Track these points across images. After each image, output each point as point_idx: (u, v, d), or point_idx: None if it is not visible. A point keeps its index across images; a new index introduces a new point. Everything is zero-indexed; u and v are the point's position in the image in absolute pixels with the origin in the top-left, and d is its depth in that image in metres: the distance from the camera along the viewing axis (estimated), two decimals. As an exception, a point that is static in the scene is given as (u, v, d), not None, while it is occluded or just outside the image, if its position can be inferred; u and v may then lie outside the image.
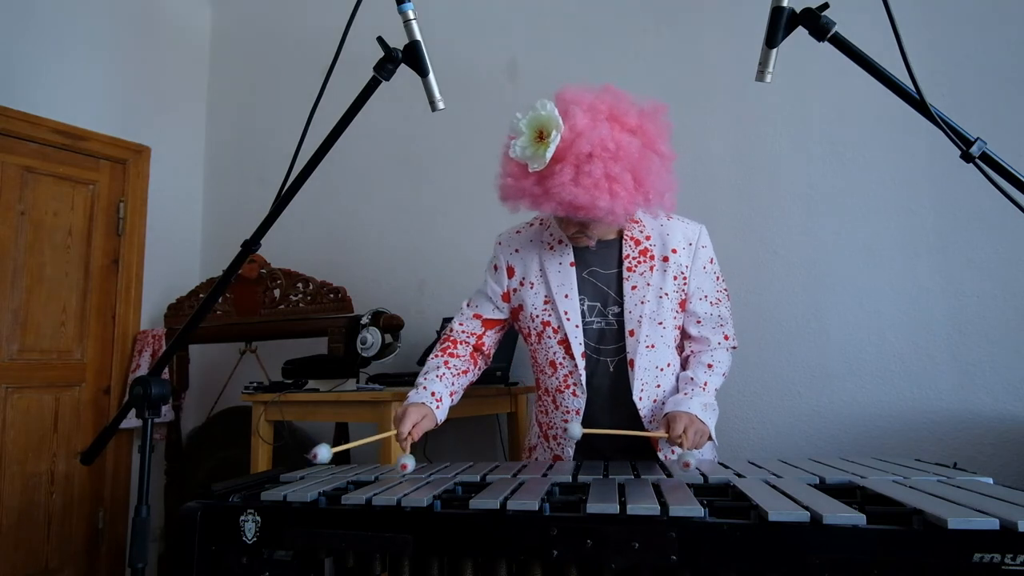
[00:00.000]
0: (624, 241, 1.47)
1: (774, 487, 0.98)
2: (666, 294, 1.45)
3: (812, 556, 0.79)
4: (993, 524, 0.75)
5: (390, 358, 2.57)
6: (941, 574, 0.76)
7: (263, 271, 2.97)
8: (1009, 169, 0.88)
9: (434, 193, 2.91)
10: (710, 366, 1.46)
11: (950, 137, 0.89)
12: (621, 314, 1.44)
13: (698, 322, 1.49)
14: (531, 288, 1.51)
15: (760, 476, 1.09)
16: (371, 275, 3.02)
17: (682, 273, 1.46)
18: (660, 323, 1.44)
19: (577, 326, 1.45)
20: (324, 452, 1.17)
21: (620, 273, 1.46)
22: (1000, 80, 1.94)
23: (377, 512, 0.99)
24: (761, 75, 1.00)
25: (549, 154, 1.24)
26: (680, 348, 1.52)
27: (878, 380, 2.03)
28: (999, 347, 1.89)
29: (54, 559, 2.94)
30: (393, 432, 1.32)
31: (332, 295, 2.80)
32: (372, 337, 2.45)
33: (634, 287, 1.44)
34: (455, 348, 1.54)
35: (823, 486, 1.02)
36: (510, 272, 1.55)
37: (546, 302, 1.48)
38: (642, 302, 1.43)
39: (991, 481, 1.01)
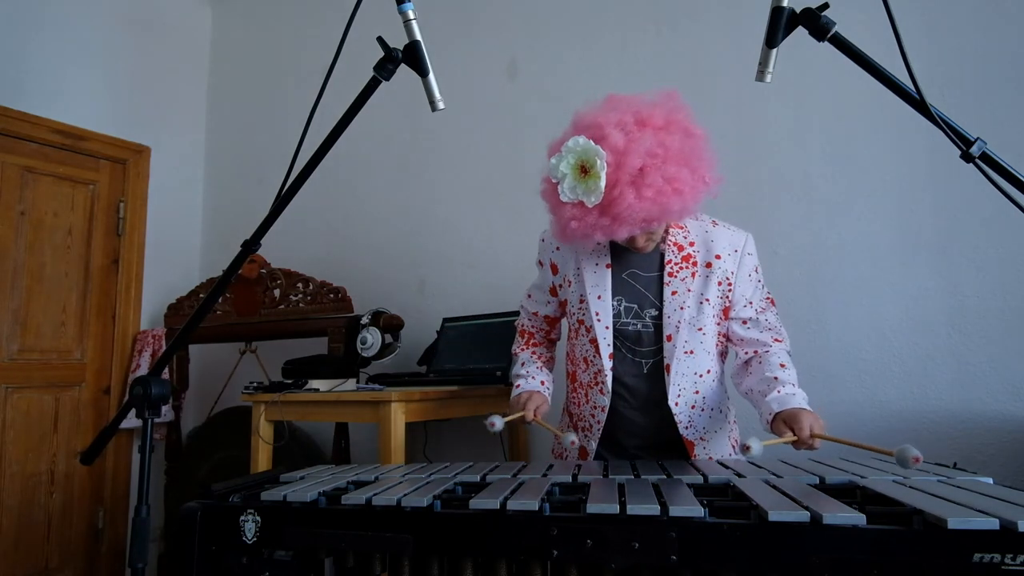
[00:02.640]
0: (667, 246, 1.47)
1: (774, 487, 0.98)
2: (707, 300, 1.44)
3: (812, 556, 0.79)
4: (993, 524, 0.75)
5: (390, 358, 2.57)
6: (941, 574, 0.76)
7: (263, 271, 2.97)
8: (1009, 169, 0.88)
9: (434, 193, 2.91)
10: (783, 365, 1.43)
11: (950, 137, 0.89)
12: (659, 317, 1.45)
13: (744, 323, 1.49)
14: (569, 286, 1.54)
15: (760, 476, 1.09)
16: (371, 275, 3.02)
17: (727, 279, 1.46)
18: (700, 329, 1.45)
19: (607, 328, 1.46)
20: (499, 421, 1.34)
21: (661, 277, 1.46)
22: (1000, 80, 1.94)
23: (377, 512, 0.99)
24: (761, 75, 1.00)
25: (603, 184, 1.23)
26: (723, 356, 1.54)
27: (878, 380, 2.03)
28: (999, 347, 1.89)
29: (54, 559, 2.94)
30: (521, 413, 1.46)
31: (332, 295, 2.80)
32: (372, 337, 2.45)
33: (674, 292, 1.44)
34: (535, 339, 1.71)
35: (823, 486, 1.02)
36: (554, 269, 1.59)
37: (581, 301, 1.51)
38: (681, 307, 1.43)
39: (991, 481, 1.01)
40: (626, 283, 1.48)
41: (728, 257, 1.46)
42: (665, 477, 1.13)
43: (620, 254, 1.49)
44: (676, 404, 1.45)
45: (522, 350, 1.68)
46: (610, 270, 1.49)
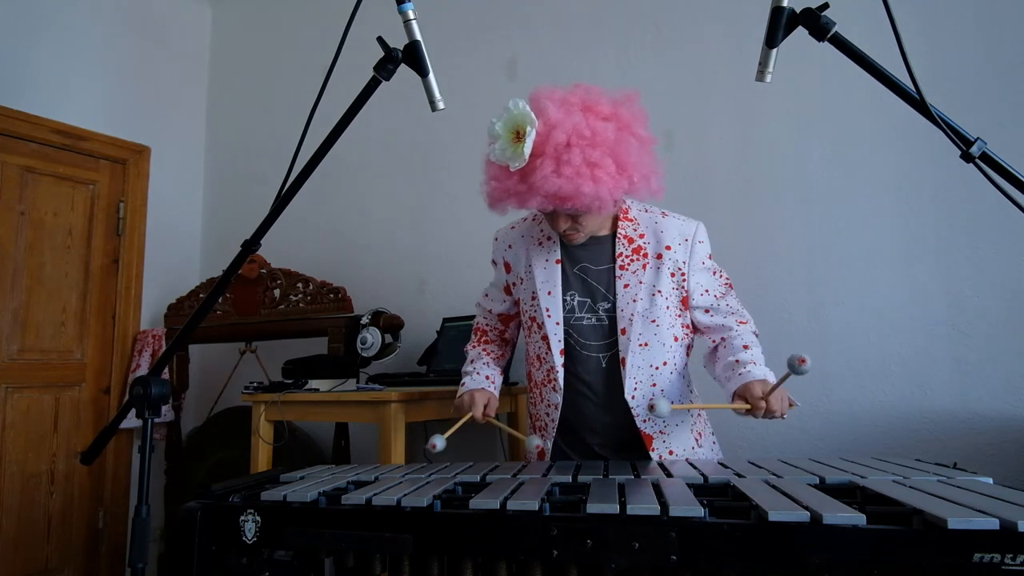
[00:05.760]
0: (617, 239, 1.47)
1: (774, 487, 0.98)
2: (659, 291, 1.44)
3: (812, 556, 0.79)
4: (993, 524, 0.75)
5: (390, 358, 2.57)
6: (941, 574, 0.75)
7: (263, 271, 2.97)
8: (1009, 169, 0.88)
9: (434, 193, 2.91)
10: (746, 347, 1.43)
11: (950, 137, 0.89)
12: (612, 310, 1.44)
13: (707, 311, 1.50)
14: (521, 284, 1.54)
15: (760, 476, 1.09)
16: (371, 275, 3.02)
17: (679, 270, 1.46)
18: (654, 321, 1.44)
19: (558, 323, 1.46)
20: (439, 441, 1.28)
21: (613, 270, 1.46)
22: (1000, 80, 1.94)
23: (377, 512, 0.99)
24: (761, 75, 1.00)
25: (527, 150, 1.25)
26: (681, 346, 1.51)
27: (878, 380, 2.03)
28: (999, 347, 1.89)
29: (54, 559, 2.94)
30: (470, 415, 1.45)
31: (332, 295, 2.80)
32: (372, 337, 2.45)
33: (626, 285, 1.44)
34: (487, 336, 1.69)
35: (823, 486, 1.02)
36: (507, 268, 1.59)
37: (532, 298, 1.50)
38: (634, 300, 1.42)
39: (991, 481, 1.01)
40: (578, 278, 1.48)
41: (679, 247, 1.46)
42: (665, 477, 1.13)
43: (571, 250, 1.49)
44: (632, 397, 1.43)
45: (473, 347, 1.67)
46: (560, 266, 1.48)
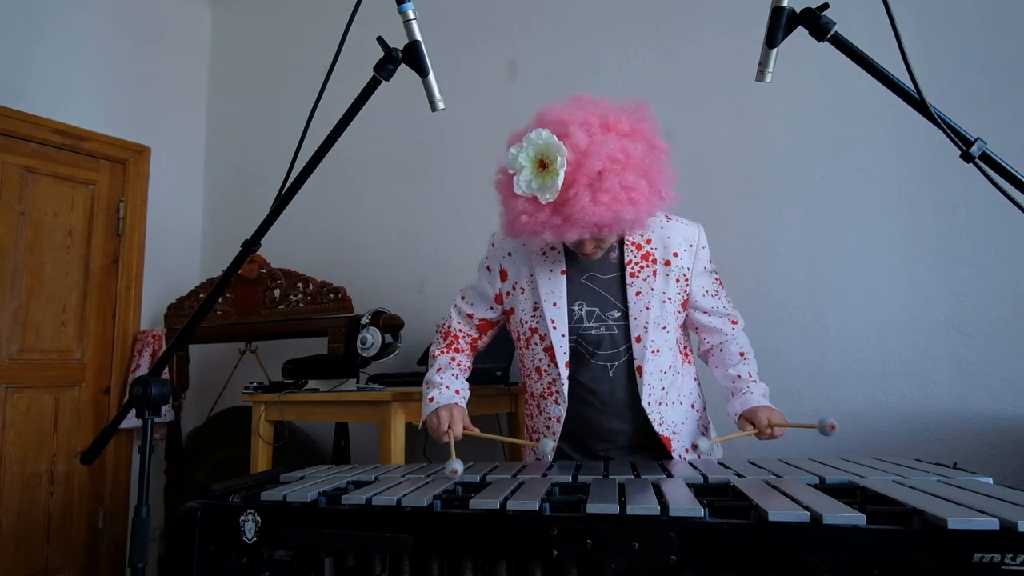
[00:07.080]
0: (626, 246, 1.46)
1: (774, 487, 0.98)
2: (669, 298, 1.44)
3: (812, 556, 0.79)
4: (993, 524, 0.75)
5: (390, 358, 2.57)
6: (941, 574, 0.76)
7: (263, 271, 2.97)
8: (1009, 169, 0.88)
9: (435, 193, 2.91)
10: (743, 355, 1.50)
11: (950, 137, 0.89)
12: (622, 318, 1.44)
13: (706, 312, 1.51)
14: (521, 294, 1.49)
15: (760, 476, 1.09)
16: (371, 275, 3.02)
17: (684, 276, 1.46)
18: (664, 327, 1.44)
19: (564, 335, 1.43)
20: (458, 465, 1.16)
21: (622, 278, 1.44)
22: (1000, 80, 1.94)
23: (377, 512, 0.99)
24: (761, 75, 1.00)
25: (560, 182, 1.20)
26: (679, 345, 1.51)
27: (878, 380, 2.03)
28: (999, 347, 1.89)
29: (54, 559, 2.94)
30: (448, 440, 1.36)
31: (332, 295, 2.80)
32: (372, 337, 2.45)
33: (638, 293, 1.43)
34: (458, 344, 1.59)
35: (823, 486, 1.02)
36: (503, 276, 1.54)
37: (535, 309, 1.47)
38: (647, 308, 1.42)
39: (991, 481, 1.01)
40: (585, 287, 1.46)
41: (684, 253, 1.46)
42: (665, 477, 1.13)
43: (576, 259, 1.46)
44: (648, 404, 1.43)
45: (442, 353, 1.56)
46: (565, 276, 1.45)
